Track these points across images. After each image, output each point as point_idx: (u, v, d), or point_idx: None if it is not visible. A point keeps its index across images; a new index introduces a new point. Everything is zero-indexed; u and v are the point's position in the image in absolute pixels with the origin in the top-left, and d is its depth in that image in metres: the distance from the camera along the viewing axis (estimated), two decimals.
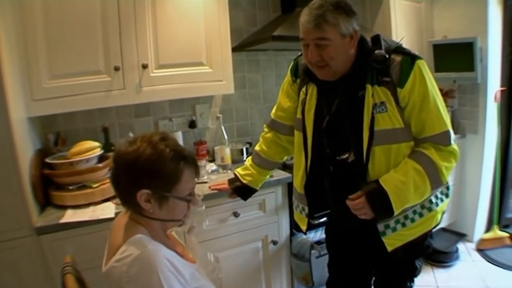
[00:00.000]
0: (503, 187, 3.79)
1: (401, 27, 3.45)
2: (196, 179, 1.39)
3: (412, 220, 1.74)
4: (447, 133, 1.66)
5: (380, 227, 1.74)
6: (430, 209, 1.77)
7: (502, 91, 3.57)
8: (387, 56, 1.62)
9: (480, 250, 3.69)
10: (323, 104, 1.81)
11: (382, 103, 1.63)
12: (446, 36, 3.63)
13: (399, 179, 1.62)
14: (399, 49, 1.68)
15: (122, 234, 1.27)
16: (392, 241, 1.75)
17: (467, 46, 3.41)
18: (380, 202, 1.62)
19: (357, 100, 1.67)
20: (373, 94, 1.64)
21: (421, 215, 1.76)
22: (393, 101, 1.63)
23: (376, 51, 1.64)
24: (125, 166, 1.25)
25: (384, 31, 3.40)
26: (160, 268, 1.13)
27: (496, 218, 3.74)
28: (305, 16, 1.62)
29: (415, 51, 1.70)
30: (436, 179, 1.66)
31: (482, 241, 3.76)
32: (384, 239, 1.75)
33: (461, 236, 3.83)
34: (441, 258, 3.49)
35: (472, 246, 3.80)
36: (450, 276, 3.35)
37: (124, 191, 1.28)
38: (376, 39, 1.71)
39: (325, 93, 1.79)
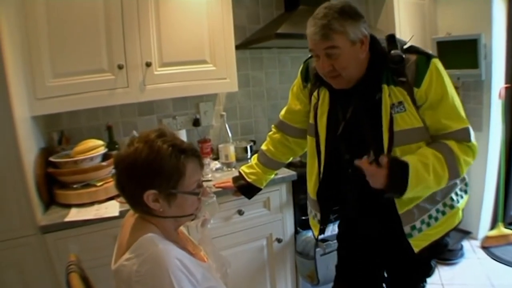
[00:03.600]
0: (508, 184, 3.78)
1: (405, 25, 3.45)
2: (201, 171, 1.36)
3: (436, 219, 1.73)
4: (466, 129, 1.63)
5: (407, 229, 1.71)
6: (452, 207, 1.76)
7: (506, 88, 3.56)
8: (403, 56, 1.59)
9: (485, 248, 3.69)
10: (337, 109, 1.78)
11: (400, 103, 1.60)
12: (450, 33, 3.61)
13: (419, 160, 1.57)
14: (412, 48, 1.65)
15: (132, 232, 1.26)
16: (418, 242, 1.73)
17: (471, 43, 3.40)
18: (398, 173, 1.54)
19: (374, 103, 1.64)
20: (390, 94, 1.61)
21: (443, 213, 1.74)
22: (410, 101, 1.60)
23: (392, 52, 1.61)
24: (126, 169, 1.23)
25: (387, 29, 3.40)
26: (171, 268, 1.12)
27: (501, 215, 3.73)
28: (311, 28, 1.58)
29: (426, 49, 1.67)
30: (454, 169, 1.61)
31: (487, 238, 3.75)
32: (410, 240, 1.72)
33: (465, 234, 3.81)
34: (446, 256, 3.48)
35: (477, 243, 3.79)
36: (455, 274, 3.34)
37: (130, 194, 1.26)
38: (391, 38, 1.67)
39: (338, 98, 1.76)
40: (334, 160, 1.85)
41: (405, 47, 1.66)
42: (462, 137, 1.62)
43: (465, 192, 1.85)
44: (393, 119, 1.61)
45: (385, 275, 2.10)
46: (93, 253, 1.92)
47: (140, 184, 1.22)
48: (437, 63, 1.60)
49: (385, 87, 1.62)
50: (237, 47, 2.84)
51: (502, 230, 3.72)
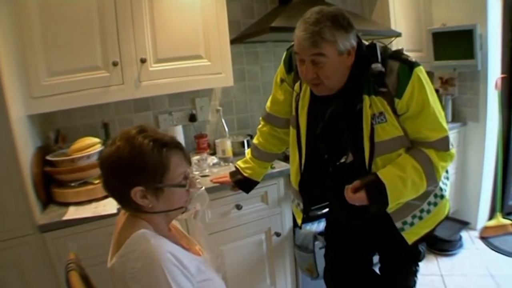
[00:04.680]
0: (506, 175, 3.80)
1: (400, 16, 3.44)
2: (187, 162, 1.35)
3: (428, 212, 1.76)
4: (445, 138, 1.65)
5: (398, 224, 1.74)
6: (442, 197, 1.80)
7: (502, 78, 3.57)
8: (383, 70, 1.57)
9: (483, 238, 3.70)
10: (317, 104, 1.78)
11: (381, 113, 1.61)
12: (445, 24, 3.61)
13: (397, 174, 1.62)
14: (396, 55, 1.63)
15: (125, 230, 1.26)
16: (411, 235, 1.76)
17: (466, 33, 3.40)
18: (377, 194, 1.61)
19: (354, 112, 1.65)
20: (371, 104, 1.61)
21: (435, 204, 1.78)
22: (390, 110, 1.61)
23: (373, 65, 1.59)
24: (110, 169, 1.23)
25: (382, 20, 3.39)
26: (164, 262, 1.12)
27: (499, 205, 3.75)
28: (301, 32, 1.54)
29: (412, 58, 1.64)
30: (432, 178, 1.65)
31: (485, 229, 3.76)
32: (403, 233, 1.76)
33: (464, 224, 3.83)
34: (445, 247, 3.50)
35: (475, 234, 3.81)
36: (454, 265, 3.35)
37: (118, 193, 1.27)
38: (372, 48, 1.64)
39: (319, 97, 1.75)
40: (315, 154, 1.86)
41: (389, 53, 1.64)
42: (441, 147, 1.65)
43: (447, 179, 1.89)
44: (374, 129, 1.62)
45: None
46: (92, 251, 1.92)
47: (126, 182, 1.22)
48: (419, 72, 1.58)
49: (366, 97, 1.62)
50: (232, 42, 2.84)
51: (500, 220, 3.73)
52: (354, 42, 1.59)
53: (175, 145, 1.30)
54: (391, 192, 1.60)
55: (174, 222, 1.53)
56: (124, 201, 1.27)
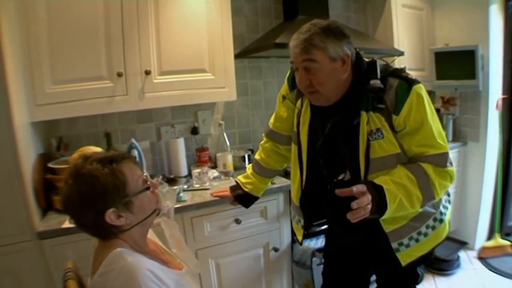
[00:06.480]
0: (505, 195, 3.79)
1: (403, 35, 3.48)
2: (138, 167, 1.36)
3: (426, 235, 1.73)
4: (443, 154, 1.62)
5: (394, 245, 1.72)
6: (441, 221, 1.77)
7: (503, 99, 3.58)
8: (382, 86, 1.57)
9: (481, 258, 3.68)
10: (317, 120, 1.79)
11: (378, 129, 1.60)
12: (448, 44, 3.64)
13: (390, 178, 1.58)
14: (396, 72, 1.63)
15: (102, 249, 1.27)
16: (406, 256, 1.74)
17: (468, 53, 3.42)
18: (378, 196, 1.53)
19: (352, 127, 1.64)
20: (369, 120, 1.61)
21: (433, 228, 1.75)
22: (388, 127, 1.60)
23: (372, 81, 1.59)
24: (76, 207, 1.23)
25: (385, 39, 3.43)
26: (143, 279, 1.13)
27: (498, 226, 3.73)
28: (293, 41, 1.61)
29: (412, 75, 1.64)
30: (427, 190, 1.60)
31: (483, 249, 3.74)
32: (398, 255, 1.73)
33: (462, 244, 3.81)
34: (442, 266, 3.47)
35: (473, 254, 3.79)
36: (451, 284, 3.33)
37: (95, 227, 1.26)
38: (372, 65, 1.65)
39: (319, 111, 1.76)
40: (315, 170, 1.86)
41: (389, 70, 1.64)
42: (438, 162, 1.62)
43: (449, 202, 1.87)
44: (370, 146, 1.62)
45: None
46: (90, 260, 1.91)
47: (97, 211, 1.22)
48: (418, 89, 1.58)
49: (363, 114, 1.62)
50: (236, 56, 2.86)
51: (498, 240, 3.72)
52: (348, 50, 1.60)
53: (122, 156, 1.31)
54: (389, 193, 1.54)
55: (154, 238, 1.55)
56: (102, 230, 1.27)
